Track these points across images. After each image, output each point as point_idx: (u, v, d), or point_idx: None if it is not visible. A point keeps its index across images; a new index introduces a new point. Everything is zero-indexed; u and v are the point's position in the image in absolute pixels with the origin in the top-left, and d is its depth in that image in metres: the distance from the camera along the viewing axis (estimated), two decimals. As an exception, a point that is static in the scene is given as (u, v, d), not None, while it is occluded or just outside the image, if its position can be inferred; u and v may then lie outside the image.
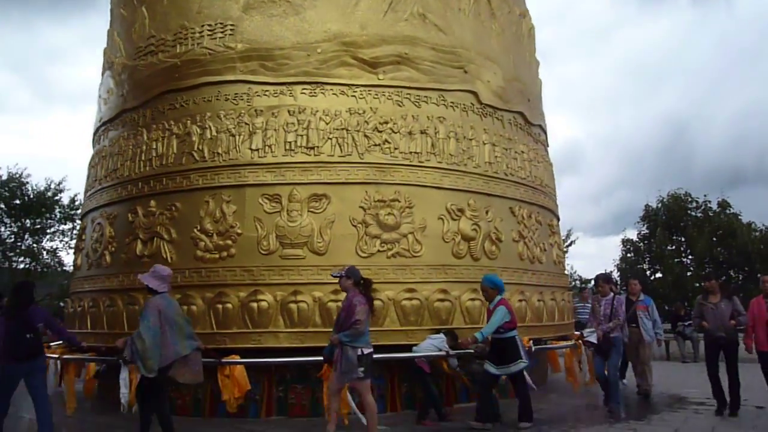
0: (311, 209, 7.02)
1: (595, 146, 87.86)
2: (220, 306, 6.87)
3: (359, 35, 7.66)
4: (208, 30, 7.86)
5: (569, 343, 8.19)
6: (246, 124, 7.35)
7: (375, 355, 6.32)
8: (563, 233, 15.96)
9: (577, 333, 8.71)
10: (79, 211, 18.51)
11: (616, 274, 25.03)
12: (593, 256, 59.51)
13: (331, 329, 5.63)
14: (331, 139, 7.26)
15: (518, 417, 5.91)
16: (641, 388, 7.76)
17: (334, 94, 7.47)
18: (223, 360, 6.30)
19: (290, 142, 7.23)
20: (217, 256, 7.04)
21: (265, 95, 7.47)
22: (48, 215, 20.83)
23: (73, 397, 7.14)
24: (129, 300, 7.45)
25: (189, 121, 7.63)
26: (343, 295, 5.49)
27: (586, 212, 67.41)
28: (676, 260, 23.73)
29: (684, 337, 13.28)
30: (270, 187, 7.09)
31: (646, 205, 25.15)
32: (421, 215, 7.25)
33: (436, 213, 7.38)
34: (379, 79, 7.61)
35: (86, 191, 9.29)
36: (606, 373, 6.84)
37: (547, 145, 10.34)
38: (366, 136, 7.32)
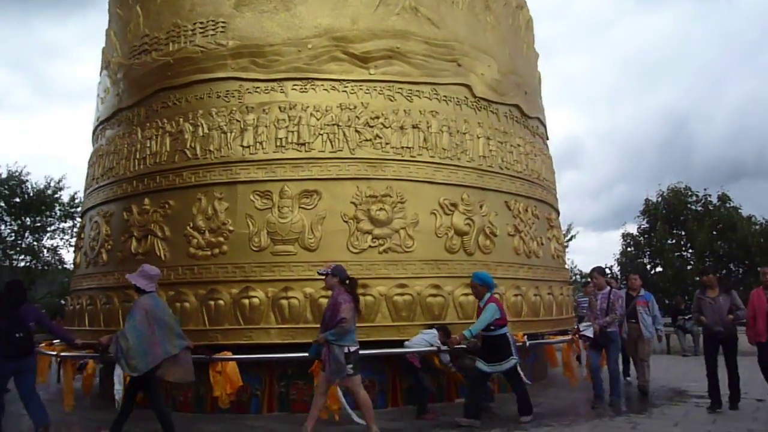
0: (302, 205, 6.77)
1: (594, 141, 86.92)
2: (212, 303, 6.66)
3: (350, 30, 7.37)
4: (200, 27, 7.62)
5: (564, 337, 7.85)
6: (237, 121, 7.11)
7: (367, 351, 6.12)
8: (563, 228, 15.55)
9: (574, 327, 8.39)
10: (79, 209, 18.25)
11: (616, 269, 24.60)
12: (594, 250, 58.84)
13: (322, 325, 5.36)
14: (322, 134, 6.99)
15: (518, 411, 5.74)
16: (639, 384, 7.43)
17: (324, 89, 7.19)
18: (214, 356, 6.11)
19: (281, 139, 6.98)
20: (209, 253, 6.83)
21: (256, 92, 7.22)
22: (48, 213, 20.40)
23: (70, 394, 6.96)
24: (125, 297, 7.25)
25: (182, 119, 7.41)
26: None
27: (587, 207, 66.75)
28: (676, 254, 23.20)
29: (684, 331, 12.98)
30: (261, 184, 6.85)
31: (646, 200, 24.63)
32: (413, 210, 6.96)
33: (429, 208, 7.08)
34: (370, 74, 7.32)
35: (85, 190, 9.13)
36: (605, 367, 6.58)
37: (547, 138, 9.99)
38: (357, 131, 7.04)
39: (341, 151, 6.96)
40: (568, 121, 76.18)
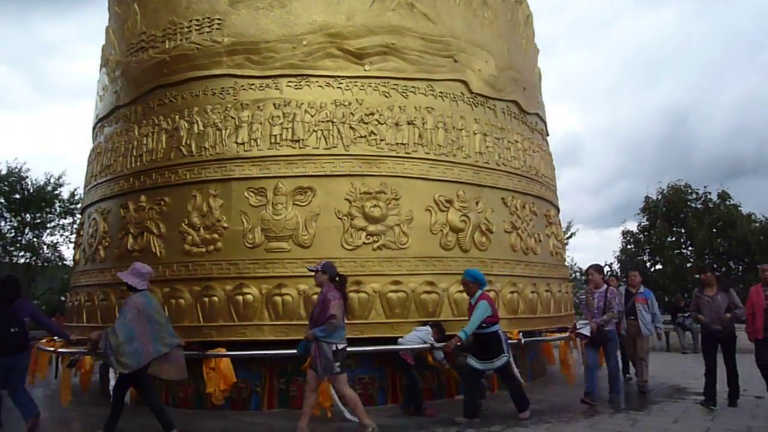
0: (296, 202, 6.61)
1: (595, 138, 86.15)
2: (206, 299, 6.52)
3: (345, 26, 7.19)
4: (196, 25, 7.47)
5: (561, 335, 7.63)
6: (232, 118, 6.96)
7: (360, 348, 5.97)
8: (563, 225, 15.26)
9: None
10: (78, 206, 17.95)
11: (616, 266, 24.26)
12: (594, 248, 58.28)
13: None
14: (316, 131, 6.82)
15: (516, 408, 5.60)
16: (638, 383, 7.22)
17: (319, 86, 7.02)
18: (206, 353, 6.01)
19: (275, 135, 6.81)
20: (204, 249, 6.68)
21: (251, 89, 7.06)
22: (48, 210, 19.97)
23: (67, 390, 6.88)
24: (121, 294, 7.08)
25: (177, 116, 7.26)
26: None
27: (587, 204, 66.20)
28: (676, 251, 22.84)
29: (684, 329, 12.75)
30: (255, 181, 6.70)
31: (646, 197, 24.22)
32: (407, 207, 6.78)
33: (424, 204, 6.90)
34: (365, 71, 7.13)
35: (85, 187, 9.03)
36: (603, 366, 6.42)
37: (547, 134, 9.76)
38: (351, 127, 6.86)
39: (335, 147, 6.79)
40: (568, 118, 75.60)
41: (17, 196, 19.23)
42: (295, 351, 5.19)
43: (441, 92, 7.45)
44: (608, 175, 75.48)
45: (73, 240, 11.72)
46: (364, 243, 6.54)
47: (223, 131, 6.94)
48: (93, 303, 7.59)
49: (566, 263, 9.89)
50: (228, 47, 7.22)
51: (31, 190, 19.40)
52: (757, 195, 47.19)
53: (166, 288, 6.70)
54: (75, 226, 18.86)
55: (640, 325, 7.23)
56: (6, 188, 19.16)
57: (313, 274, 5.07)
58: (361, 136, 6.86)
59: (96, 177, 8.32)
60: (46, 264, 20.33)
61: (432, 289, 6.64)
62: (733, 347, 6.08)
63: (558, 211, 9.65)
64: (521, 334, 6.82)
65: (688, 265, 21.71)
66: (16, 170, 19.48)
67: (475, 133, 7.61)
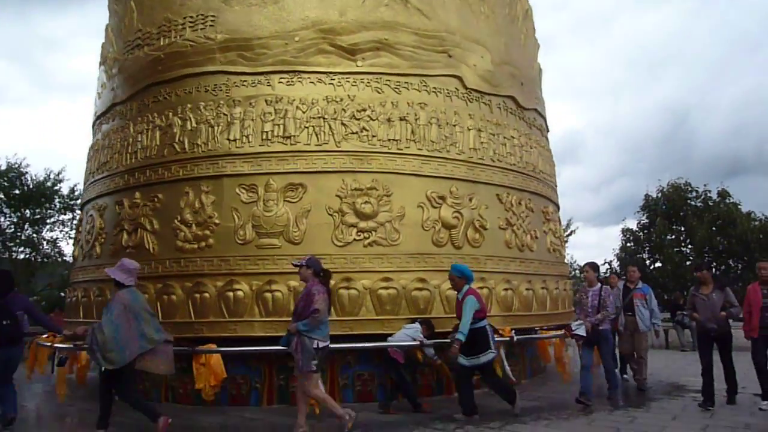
0: (287, 199, 6.40)
1: (595, 135, 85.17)
2: (198, 295, 6.34)
3: (338, 22, 6.96)
4: (190, 22, 7.29)
5: (554, 333, 7.35)
6: (224, 114, 6.77)
7: (350, 345, 5.76)
8: (563, 223, 14.90)
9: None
10: (78, 201, 17.52)
11: (616, 264, 23.84)
12: (593, 245, 57.64)
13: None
14: (307, 128, 6.60)
15: (509, 403, 5.43)
16: (637, 380, 6.94)
17: (311, 82, 6.80)
18: (196, 348, 5.85)
19: (267, 132, 6.61)
20: (195, 246, 6.51)
21: (243, 85, 6.86)
22: (48, 205, 19.31)
23: (63, 384, 6.74)
24: (117, 290, 6.96)
25: (171, 113, 7.09)
26: None
27: (587, 202, 65.44)
28: (675, 249, 22.40)
29: (683, 326, 12.44)
30: (247, 177, 6.50)
31: (646, 195, 23.78)
32: (399, 203, 6.54)
33: (416, 201, 6.66)
34: (357, 67, 6.90)
35: (84, 183, 8.90)
36: (599, 365, 6.21)
37: (547, 130, 9.45)
38: (343, 124, 6.64)
39: (327, 144, 6.57)
40: (569, 115, 74.74)
41: (17, 191, 18.70)
42: (276, 348, 5.03)
43: (435, 88, 7.20)
44: (608, 173, 74.69)
45: (72, 236, 11.54)
46: (355, 239, 6.32)
47: (216, 128, 6.75)
48: (89, 299, 7.44)
49: (566, 260, 9.58)
50: (221, 44, 7.03)
51: (31, 186, 18.86)
52: (757, 193, 46.51)
53: (159, 284, 6.54)
54: (74, 222, 18.49)
55: (637, 321, 6.95)
56: (6, 184, 18.65)
57: (297, 269, 4.86)
58: (353, 133, 6.64)
59: (94, 174, 8.18)
60: (45, 260, 19.88)
61: (423, 286, 6.40)
62: (729, 346, 5.85)
63: (557, 207, 9.35)
64: (514, 331, 6.56)
65: (688, 263, 21.27)
66: (16, 166, 18.92)
67: (469, 129, 7.35)
